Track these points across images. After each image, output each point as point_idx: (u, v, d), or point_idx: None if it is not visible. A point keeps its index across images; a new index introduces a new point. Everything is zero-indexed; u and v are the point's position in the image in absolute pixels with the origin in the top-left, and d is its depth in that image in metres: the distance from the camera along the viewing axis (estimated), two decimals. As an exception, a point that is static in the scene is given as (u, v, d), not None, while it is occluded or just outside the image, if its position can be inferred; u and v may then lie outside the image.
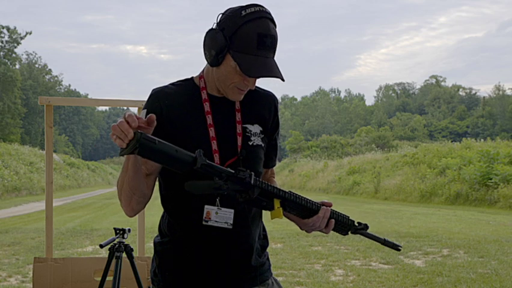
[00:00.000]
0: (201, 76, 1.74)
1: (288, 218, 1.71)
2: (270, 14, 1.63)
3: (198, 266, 1.69)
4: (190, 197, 1.63)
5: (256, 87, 1.79)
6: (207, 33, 1.64)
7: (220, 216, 1.64)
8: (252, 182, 1.50)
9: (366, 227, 1.80)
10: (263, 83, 1.84)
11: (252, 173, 1.51)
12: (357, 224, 1.80)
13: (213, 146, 1.67)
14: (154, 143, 1.37)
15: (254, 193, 1.52)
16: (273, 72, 1.61)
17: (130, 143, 1.37)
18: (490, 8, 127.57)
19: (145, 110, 1.66)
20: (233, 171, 1.49)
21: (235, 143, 1.70)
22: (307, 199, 1.66)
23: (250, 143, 1.72)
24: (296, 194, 1.64)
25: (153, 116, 1.46)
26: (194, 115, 1.69)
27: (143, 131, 1.42)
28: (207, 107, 1.70)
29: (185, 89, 1.73)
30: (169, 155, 1.40)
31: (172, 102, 1.69)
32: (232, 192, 1.51)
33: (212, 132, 1.68)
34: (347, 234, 1.80)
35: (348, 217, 1.78)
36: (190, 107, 1.70)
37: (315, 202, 1.69)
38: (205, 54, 1.67)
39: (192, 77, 1.77)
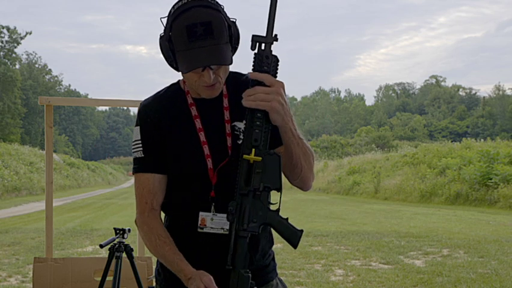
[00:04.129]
0: (184, 80, 1.68)
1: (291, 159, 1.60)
2: (204, 0, 1.50)
3: (198, 267, 1.68)
4: (186, 204, 1.63)
5: (237, 73, 1.69)
6: None
7: (215, 222, 1.61)
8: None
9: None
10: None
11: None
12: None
13: (205, 151, 1.62)
14: None
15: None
16: (201, 61, 1.48)
17: None
18: (489, 8, 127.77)
19: (138, 127, 1.66)
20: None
21: (225, 144, 1.63)
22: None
23: (240, 142, 1.61)
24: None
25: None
26: (183, 121, 1.64)
27: None
28: (194, 111, 1.65)
29: (172, 95, 1.68)
30: None
31: (160, 113, 1.65)
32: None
33: (202, 136, 1.62)
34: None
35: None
36: (178, 114, 1.65)
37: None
38: None
39: (179, 81, 1.72)
